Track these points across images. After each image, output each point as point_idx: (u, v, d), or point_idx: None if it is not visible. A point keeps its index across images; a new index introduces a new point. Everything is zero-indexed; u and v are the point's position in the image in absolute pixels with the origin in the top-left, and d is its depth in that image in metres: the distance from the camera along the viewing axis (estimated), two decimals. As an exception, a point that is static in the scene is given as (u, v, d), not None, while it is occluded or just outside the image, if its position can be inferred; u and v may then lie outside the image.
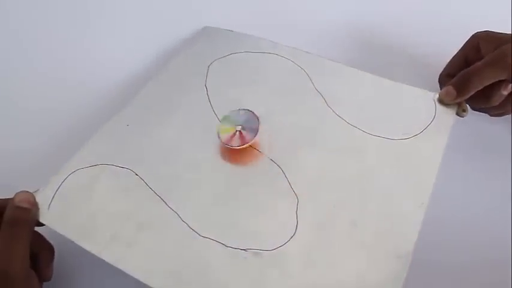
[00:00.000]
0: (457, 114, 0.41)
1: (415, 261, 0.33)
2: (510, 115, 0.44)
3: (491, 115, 0.44)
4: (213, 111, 0.43)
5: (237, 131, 0.39)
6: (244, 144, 0.38)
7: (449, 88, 0.41)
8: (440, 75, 0.44)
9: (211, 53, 0.48)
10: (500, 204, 0.41)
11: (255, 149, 0.39)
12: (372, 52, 0.49)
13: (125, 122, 0.42)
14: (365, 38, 0.54)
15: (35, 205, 0.35)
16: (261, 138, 0.39)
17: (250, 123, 0.39)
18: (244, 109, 0.40)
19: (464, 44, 0.44)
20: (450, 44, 0.45)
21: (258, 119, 0.39)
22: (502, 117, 0.44)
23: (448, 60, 0.45)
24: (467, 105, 0.42)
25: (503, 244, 0.38)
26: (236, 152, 0.39)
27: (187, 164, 0.39)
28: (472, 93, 0.40)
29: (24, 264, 0.31)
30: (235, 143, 0.38)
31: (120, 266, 0.32)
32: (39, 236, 0.35)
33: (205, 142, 0.40)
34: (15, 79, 0.50)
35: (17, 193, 0.35)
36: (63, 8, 0.56)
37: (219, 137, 0.39)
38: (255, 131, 0.38)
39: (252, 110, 0.40)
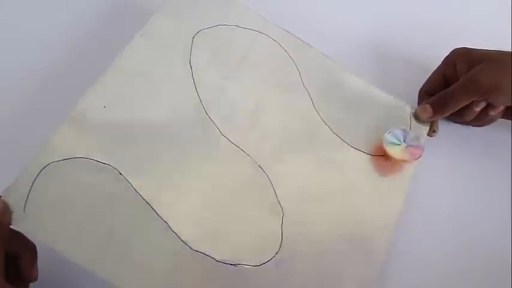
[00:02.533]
0: (427, 134, 0.44)
1: (414, 262, 0.37)
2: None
3: (471, 125, 0.46)
4: (200, 99, 0.40)
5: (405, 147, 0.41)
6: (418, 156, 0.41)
7: (427, 106, 0.43)
8: (420, 91, 0.46)
9: (197, 19, 0.43)
10: (500, 204, 0.43)
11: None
12: (375, 59, 0.48)
13: (101, 102, 0.37)
14: (370, 46, 0.52)
15: (6, 213, 0.31)
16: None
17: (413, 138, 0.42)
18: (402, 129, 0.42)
19: (442, 61, 0.45)
20: (440, 49, 0.45)
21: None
22: (501, 119, 0.46)
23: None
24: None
25: (503, 245, 0.41)
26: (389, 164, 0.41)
27: (174, 164, 0.37)
28: (447, 114, 0.43)
29: (1, 277, 0.29)
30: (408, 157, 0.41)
31: (112, 281, 0.32)
32: (18, 235, 0.32)
33: (191, 138, 0.38)
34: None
35: None
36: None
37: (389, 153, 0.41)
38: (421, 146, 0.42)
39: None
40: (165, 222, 0.35)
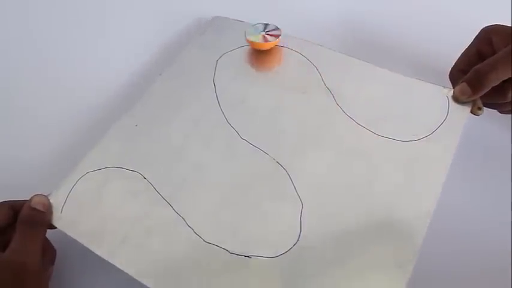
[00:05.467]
0: (472, 112, 0.40)
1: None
2: (510, 115, 0.43)
3: (501, 112, 0.42)
4: (221, 110, 0.42)
5: (264, 35, 0.46)
6: (275, 39, 0.45)
7: (464, 85, 0.39)
8: (452, 71, 0.42)
9: (220, 45, 0.47)
10: (500, 205, 0.40)
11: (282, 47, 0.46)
12: (370, 49, 0.47)
13: (134, 122, 0.42)
14: (364, 36, 0.52)
15: (49, 209, 0.36)
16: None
17: (272, 28, 0.46)
18: (261, 23, 0.46)
19: (475, 39, 0.42)
20: (447, 41, 0.44)
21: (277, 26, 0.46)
22: (502, 118, 0.43)
23: (443, 56, 0.43)
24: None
25: (503, 247, 0.38)
26: (265, 55, 0.46)
27: (195, 166, 0.39)
28: (487, 89, 0.39)
29: (39, 258, 0.34)
30: (267, 40, 0.45)
31: (128, 271, 0.34)
32: (46, 238, 0.37)
33: (212, 143, 0.40)
34: (19, 81, 0.50)
35: (33, 196, 0.36)
36: (64, 8, 0.55)
37: (249, 41, 0.45)
38: (279, 31, 0.46)
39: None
40: (182, 218, 0.36)
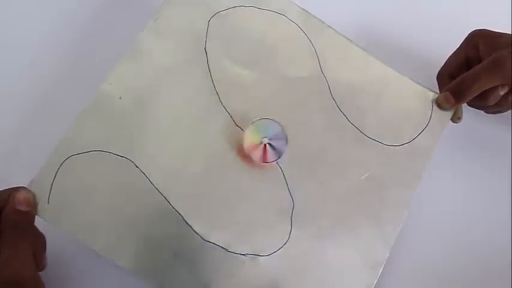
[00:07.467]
0: (452, 120, 0.43)
1: (412, 261, 0.38)
2: (510, 115, 0.45)
3: (487, 112, 0.45)
4: (215, 89, 0.40)
5: (263, 143, 0.38)
6: (266, 163, 0.38)
7: (447, 94, 0.42)
8: (440, 74, 0.44)
9: (213, 1, 0.42)
10: (500, 205, 0.43)
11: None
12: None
13: (117, 94, 0.38)
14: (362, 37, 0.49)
15: (34, 205, 0.34)
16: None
17: (278, 140, 0.38)
18: (275, 121, 0.38)
19: (462, 43, 0.43)
20: (443, 43, 0.44)
21: (286, 138, 0.38)
22: (502, 118, 0.45)
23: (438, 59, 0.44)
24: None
25: (503, 247, 0.41)
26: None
27: (186, 155, 0.38)
28: (470, 98, 0.41)
29: (32, 263, 0.33)
30: (257, 158, 0.37)
31: (128, 268, 0.35)
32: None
33: (205, 128, 0.39)
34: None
35: (16, 193, 0.33)
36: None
37: (243, 145, 0.38)
38: (279, 153, 0.38)
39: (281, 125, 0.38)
40: (179, 214, 0.36)
